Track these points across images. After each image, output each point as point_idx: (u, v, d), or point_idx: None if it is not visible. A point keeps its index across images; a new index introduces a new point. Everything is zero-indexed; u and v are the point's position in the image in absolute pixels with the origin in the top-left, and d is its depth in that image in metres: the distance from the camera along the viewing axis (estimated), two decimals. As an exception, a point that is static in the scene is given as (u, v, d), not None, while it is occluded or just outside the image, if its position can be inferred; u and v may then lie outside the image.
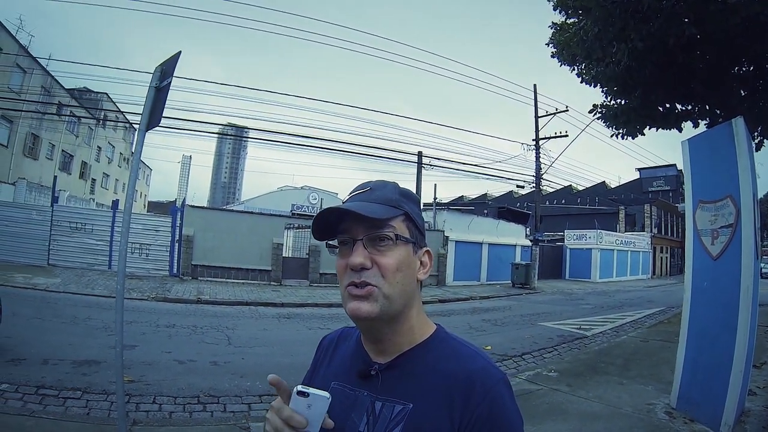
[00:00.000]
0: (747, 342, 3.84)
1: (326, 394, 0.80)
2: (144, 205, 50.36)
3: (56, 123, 25.40)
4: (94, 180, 36.10)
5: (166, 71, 3.60)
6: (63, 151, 29.01)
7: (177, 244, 15.90)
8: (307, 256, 17.52)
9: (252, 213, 20.15)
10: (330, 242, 0.94)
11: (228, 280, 16.03)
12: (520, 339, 9.16)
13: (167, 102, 3.68)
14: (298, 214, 27.70)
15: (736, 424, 3.94)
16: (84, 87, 29.69)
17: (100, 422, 3.99)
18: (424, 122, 75.07)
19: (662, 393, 5.23)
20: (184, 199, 18.54)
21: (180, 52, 3.58)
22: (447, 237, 21.70)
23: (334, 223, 0.91)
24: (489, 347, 8.15)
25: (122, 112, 24.92)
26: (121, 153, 42.08)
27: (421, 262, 0.96)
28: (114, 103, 28.58)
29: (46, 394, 4.50)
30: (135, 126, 35.40)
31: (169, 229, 16.10)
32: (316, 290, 15.51)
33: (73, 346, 6.35)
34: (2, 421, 3.87)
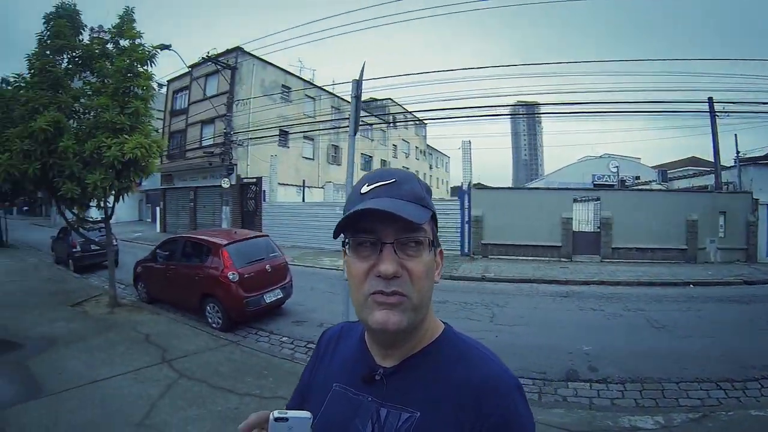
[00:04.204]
0: None
1: (306, 414, 0.77)
2: (447, 191, 55.63)
3: (351, 133, 31.06)
4: (395, 174, 41.85)
5: (359, 82, 4.25)
6: (362, 154, 34.40)
7: (467, 225, 16.92)
8: (598, 230, 16.11)
9: (539, 189, 19.80)
10: (355, 238, 0.84)
11: (518, 257, 16.21)
12: None
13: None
14: (598, 184, 25.65)
15: None
16: (370, 98, 35.09)
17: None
18: (717, 60, 55.05)
19: None
20: (470, 182, 19.60)
21: (365, 62, 4.18)
22: (757, 200, 16.16)
23: (354, 218, 0.83)
24: None
25: (409, 111, 28.33)
26: (416, 146, 47.45)
27: (436, 263, 0.90)
28: (399, 105, 32.56)
29: (311, 348, 5.89)
30: (425, 122, 39.67)
31: (458, 210, 17.14)
32: (606, 267, 14.14)
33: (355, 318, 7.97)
34: (270, 360, 5.70)
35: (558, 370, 5.54)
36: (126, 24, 7.90)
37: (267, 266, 7.96)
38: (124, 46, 7.93)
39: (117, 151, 7.15)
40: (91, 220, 9.83)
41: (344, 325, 1.09)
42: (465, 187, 17.87)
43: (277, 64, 25.89)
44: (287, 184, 24.04)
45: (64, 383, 4.95)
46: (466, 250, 16.61)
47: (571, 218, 16.26)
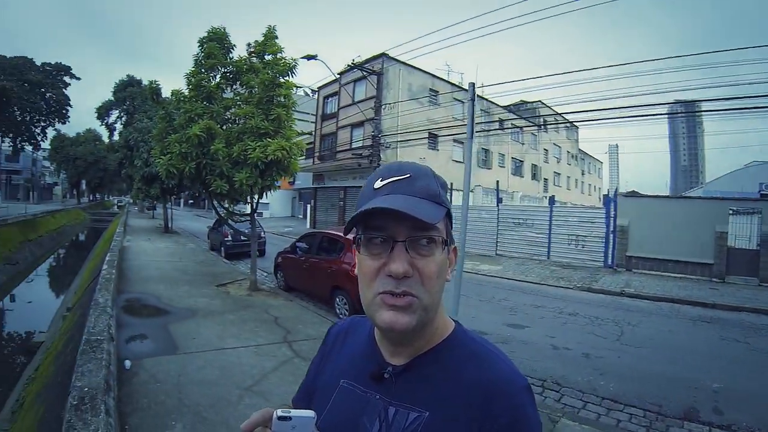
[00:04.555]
0: None
1: (310, 413, 0.75)
2: (599, 198, 51.65)
3: (501, 136, 29.89)
4: (546, 179, 39.78)
5: (474, 84, 4.35)
6: (513, 158, 33.61)
7: (612, 235, 15.78)
8: (758, 248, 13.69)
9: (690, 198, 17.60)
10: (366, 235, 0.82)
11: (664, 273, 14.55)
12: None
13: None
14: (766, 194, 21.82)
15: None
16: (520, 100, 33.74)
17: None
18: None
19: None
20: (616, 188, 18.17)
21: (478, 64, 4.25)
22: None
23: (364, 215, 0.80)
24: None
25: (559, 114, 26.65)
26: (568, 151, 44.44)
27: (449, 260, 0.88)
28: (549, 107, 30.78)
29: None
30: (575, 125, 37.14)
31: (604, 219, 16.11)
32: (763, 291, 11.86)
33: (476, 320, 7.89)
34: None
35: (676, 404, 4.89)
36: (269, 41, 8.96)
37: None
38: (268, 61, 8.96)
39: (260, 153, 8.08)
40: (239, 213, 11.23)
41: (353, 320, 1.07)
42: (611, 194, 16.63)
43: (424, 69, 26.22)
44: (436, 187, 24.50)
45: (195, 346, 5.83)
46: (609, 262, 15.50)
47: (727, 233, 14.11)
